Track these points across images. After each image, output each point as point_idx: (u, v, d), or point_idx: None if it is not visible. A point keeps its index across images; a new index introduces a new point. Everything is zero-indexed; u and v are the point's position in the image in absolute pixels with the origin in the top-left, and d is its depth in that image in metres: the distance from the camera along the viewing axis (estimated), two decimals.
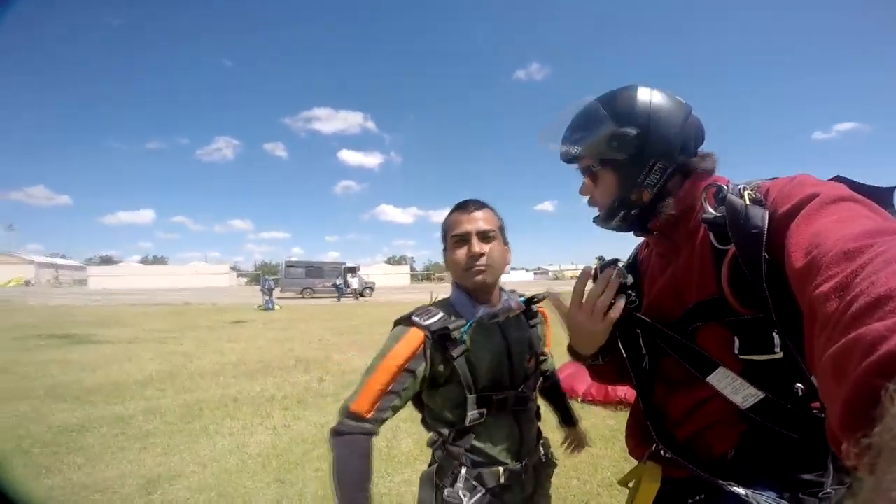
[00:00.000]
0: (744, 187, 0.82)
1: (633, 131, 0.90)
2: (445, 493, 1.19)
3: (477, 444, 1.24)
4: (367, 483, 1.11)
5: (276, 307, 20.20)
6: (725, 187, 0.85)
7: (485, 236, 1.26)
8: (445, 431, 1.25)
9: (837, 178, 0.78)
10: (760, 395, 0.82)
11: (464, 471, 1.20)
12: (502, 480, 1.22)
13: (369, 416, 1.14)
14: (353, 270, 32.58)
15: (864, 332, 0.36)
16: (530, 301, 1.29)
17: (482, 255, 1.24)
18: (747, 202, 0.78)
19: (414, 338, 1.19)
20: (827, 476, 0.81)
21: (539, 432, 1.39)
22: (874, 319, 0.36)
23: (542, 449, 1.38)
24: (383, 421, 1.17)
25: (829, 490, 0.79)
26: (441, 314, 1.24)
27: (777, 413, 0.82)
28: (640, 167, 0.92)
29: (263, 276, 24.69)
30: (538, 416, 1.39)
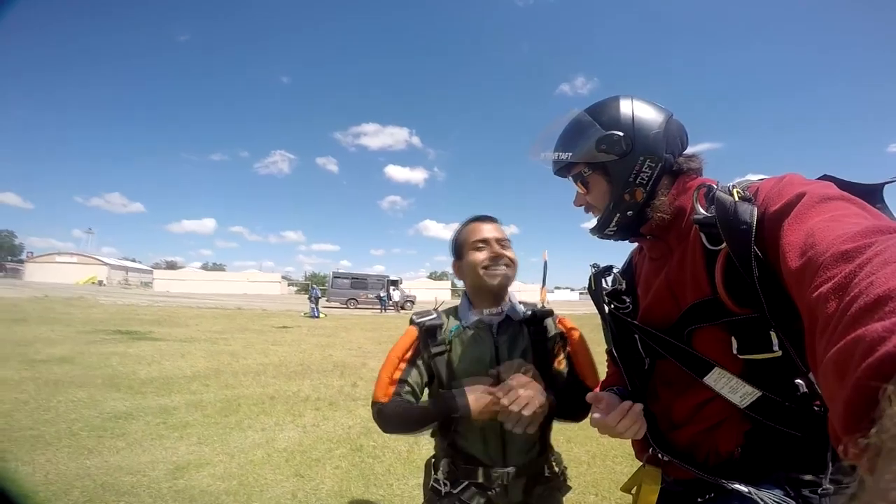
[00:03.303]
0: (733, 186, 0.84)
1: (619, 134, 0.96)
2: (433, 478, 1.30)
3: (457, 440, 1.28)
4: (416, 410, 1.24)
5: (322, 315, 20.83)
6: (715, 186, 0.87)
7: (503, 243, 1.35)
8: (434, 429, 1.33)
9: (825, 177, 0.79)
10: (758, 393, 0.82)
11: (444, 461, 1.29)
12: (480, 479, 1.24)
13: (386, 400, 1.26)
14: (395, 284, 33.18)
15: (864, 332, 0.36)
16: (535, 314, 1.37)
17: (503, 256, 1.33)
18: (736, 199, 0.79)
19: (411, 333, 1.33)
20: (827, 473, 0.79)
21: (543, 444, 1.35)
22: (874, 320, 0.37)
23: (547, 463, 1.35)
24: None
25: (827, 486, 0.78)
26: (436, 315, 1.35)
27: (777, 411, 0.82)
28: (629, 166, 0.96)
29: (311, 286, 25.59)
30: (540, 426, 1.29)
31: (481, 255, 1.32)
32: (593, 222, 1.06)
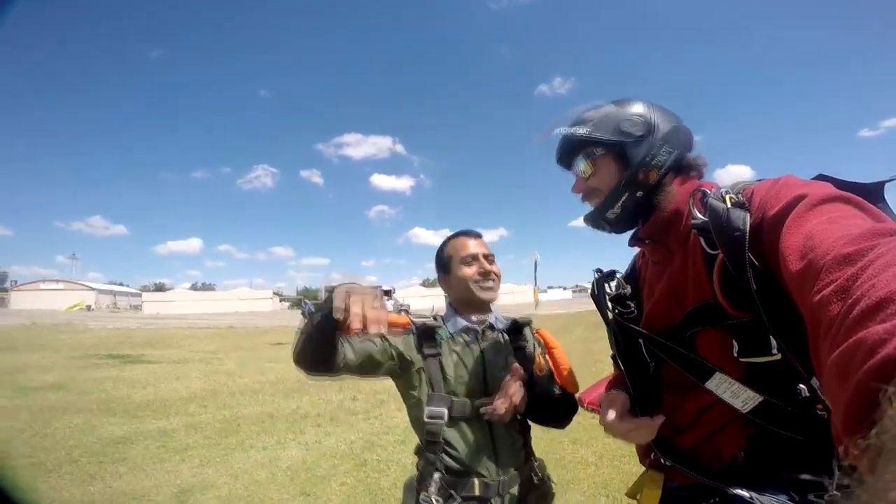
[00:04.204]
0: (726, 191, 0.83)
1: (641, 117, 0.97)
2: (421, 496, 1.25)
3: (449, 450, 1.27)
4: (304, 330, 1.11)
5: None
6: (709, 192, 0.86)
7: (490, 258, 1.42)
8: (421, 441, 1.32)
9: (821, 177, 0.78)
10: (759, 398, 0.82)
11: (436, 475, 1.25)
12: (477, 492, 1.24)
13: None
14: (388, 293, 32.85)
15: (865, 335, 0.36)
16: (515, 323, 1.44)
17: (492, 273, 1.39)
18: (728, 206, 0.79)
19: (403, 320, 1.34)
20: (832, 477, 0.78)
21: (527, 450, 1.38)
22: (875, 322, 0.37)
23: (533, 470, 1.36)
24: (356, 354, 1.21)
25: (834, 492, 0.77)
26: (430, 320, 1.38)
27: (778, 415, 0.81)
28: (648, 148, 0.96)
29: (304, 301, 25.35)
30: (523, 433, 1.37)
31: (471, 270, 1.37)
32: (593, 210, 1.05)
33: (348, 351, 1.19)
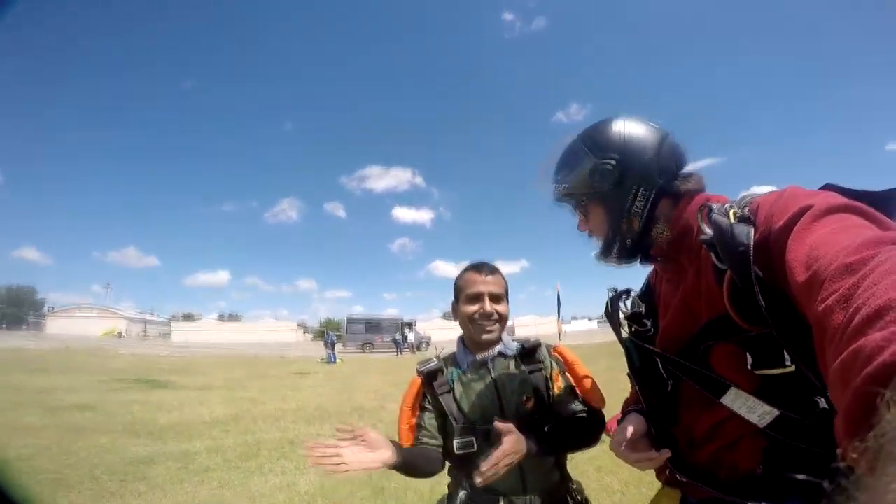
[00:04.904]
0: (730, 205, 0.84)
1: (611, 162, 0.97)
2: None
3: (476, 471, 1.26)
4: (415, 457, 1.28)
5: (339, 360, 20.66)
6: (715, 207, 0.86)
7: (496, 298, 1.39)
8: (454, 470, 1.38)
9: (827, 186, 0.79)
10: (776, 412, 0.81)
11: (462, 494, 1.29)
12: None
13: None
14: (409, 325, 33.07)
15: (864, 342, 0.37)
16: (524, 347, 1.44)
17: (493, 314, 1.37)
18: (732, 221, 0.79)
19: (416, 382, 1.40)
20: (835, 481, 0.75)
21: (560, 473, 1.37)
22: (874, 330, 0.38)
23: (569, 493, 1.36)
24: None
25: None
26: (436, 363, 1.42)
27: (795, 429, 0.80)
28: (624, 196, 0.98)
29: (327, 332, 25.56)
30: (556, 456, 1.37)
31: (472, 309, 1.37)
32: (598, 250, 1.07)
33: (433, 440, 1.35)
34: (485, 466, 1.12)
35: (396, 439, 1.30)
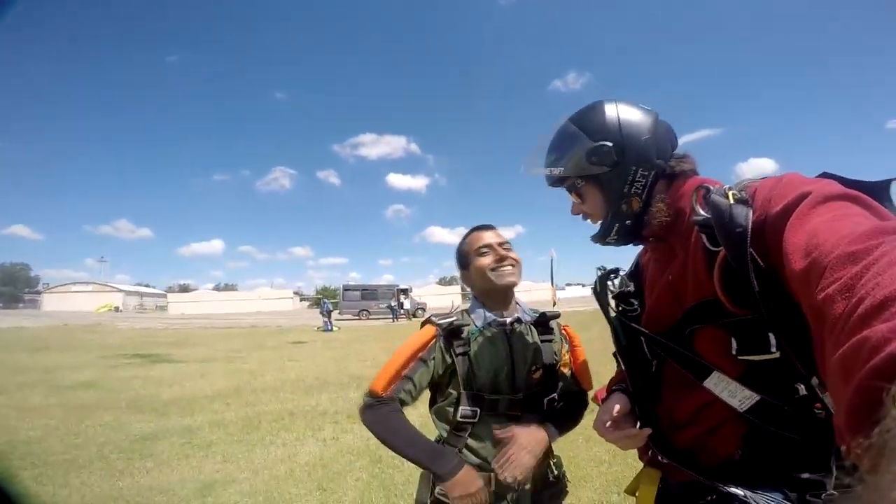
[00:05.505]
0: (729, 188, 0.83)
1: (608, 144, 0.96)
2: (437, 489, 1.28)
3: (471, 442, 1.31)
4: (412, 433, 1.25)
5: (335, 328, 20.96)
6: (712, 188, 0.85)
7: (504, 246, 1.41)
8: (444, 432, 1.35)
9: (825, 175, 0.77)
10: (756, 397, 0.82)
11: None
12: (493, 487, 1.26)
13: (385, 394, 1.27)
14: (405, 292, 33.28)
15: (869, 334, 0.36)
16: (543, 316, 1.44)
17: (508, 257, 1.39)
18: (731, 202, 0.78)
19: (428, 332, 1.35)
20: (830, 477, 0.79)
21: (548, 448, 1.38)
22: (879, 321, 0.37)
23: (549, 468, 1.40)
24: (399, 401, 1.29)
25: (831, 491, 0.78)
26: (455, 317, 1.37)
27: (775, 415, 0.82)
28: (623, 177, 0.97)
29: (323, 300, 25.80)
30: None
31: (487, 259, 1.37)
32: (595, 228, 1.07)
33: (410, 397, 1.32)
34: (506, 472, 1.20)
35: (373, 381, 1.30)
